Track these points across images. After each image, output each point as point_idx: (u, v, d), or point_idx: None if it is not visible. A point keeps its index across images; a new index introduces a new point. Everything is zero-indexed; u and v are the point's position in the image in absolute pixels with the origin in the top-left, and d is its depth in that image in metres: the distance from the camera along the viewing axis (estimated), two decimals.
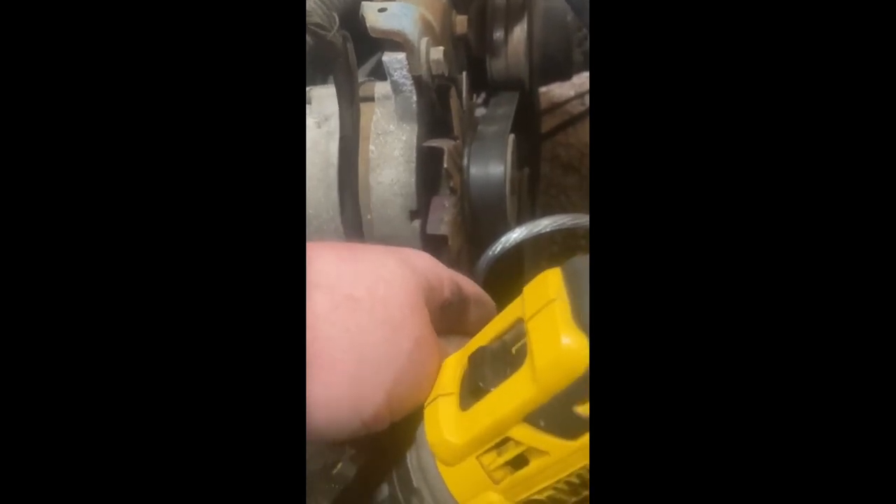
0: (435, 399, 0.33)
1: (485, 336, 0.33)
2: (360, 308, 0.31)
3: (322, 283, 0.31)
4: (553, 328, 0.27)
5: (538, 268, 0.33)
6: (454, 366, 0.34)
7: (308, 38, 0.45)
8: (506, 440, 0.29)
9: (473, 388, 0.31)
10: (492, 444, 0.30)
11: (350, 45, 0.49)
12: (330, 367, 0.30)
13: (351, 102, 0.51)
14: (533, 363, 0.28)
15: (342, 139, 0.51)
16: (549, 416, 0.27)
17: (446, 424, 0.31)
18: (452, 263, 0.54)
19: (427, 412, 0.33)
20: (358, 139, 0.52)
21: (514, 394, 0.28)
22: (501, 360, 0.31)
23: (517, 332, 0.31)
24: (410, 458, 0.34)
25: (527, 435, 0.28)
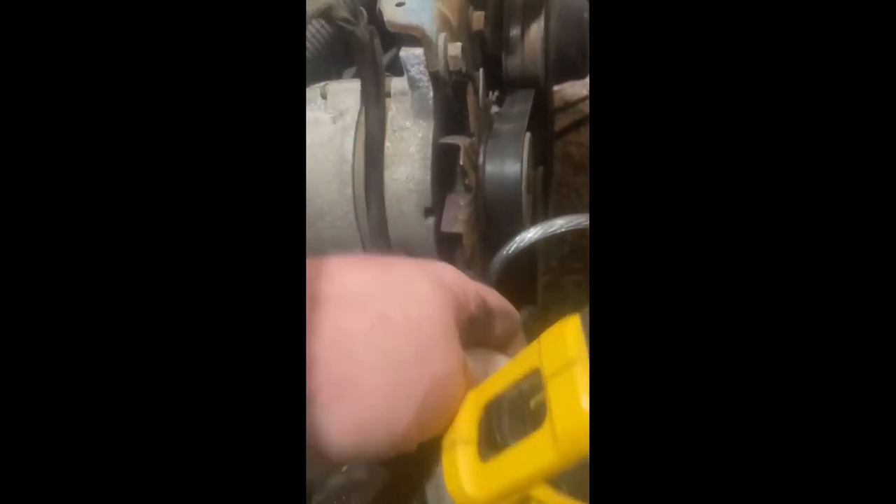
0: (454, 445, 0.32)
1: (499, 381, 0.33)
2: (394, 329, 0.31)
3: (356, 302, 0.31)
4: (574, 395, 0.27)
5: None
6: (471, 405, 0.33)
7: (328, 30, 0.44)
8: (528, 496, 0.29)
9: (491, 441, 0.31)
10: (512, 500, 0.29)
11: (377, 41, 0.49)
12: (364, 388, 0.30)
13: (377, 99, 0.51)
14: (554, 428, 0.27)
15: (367, 137, 0.51)
16: (572, 482, 0.27)
17: (465, 476, 0.31)
18: (466, 262, 0.54)
19: (445, 458, 0.33)
20: (384, 138, 0.51)
21: (534, 456, 0.28)
22: (519, 413, 0.30)
23: (534, 383, 0.31)
24: (430, 494, 0.34)
25: (549, 496, 0.28)
